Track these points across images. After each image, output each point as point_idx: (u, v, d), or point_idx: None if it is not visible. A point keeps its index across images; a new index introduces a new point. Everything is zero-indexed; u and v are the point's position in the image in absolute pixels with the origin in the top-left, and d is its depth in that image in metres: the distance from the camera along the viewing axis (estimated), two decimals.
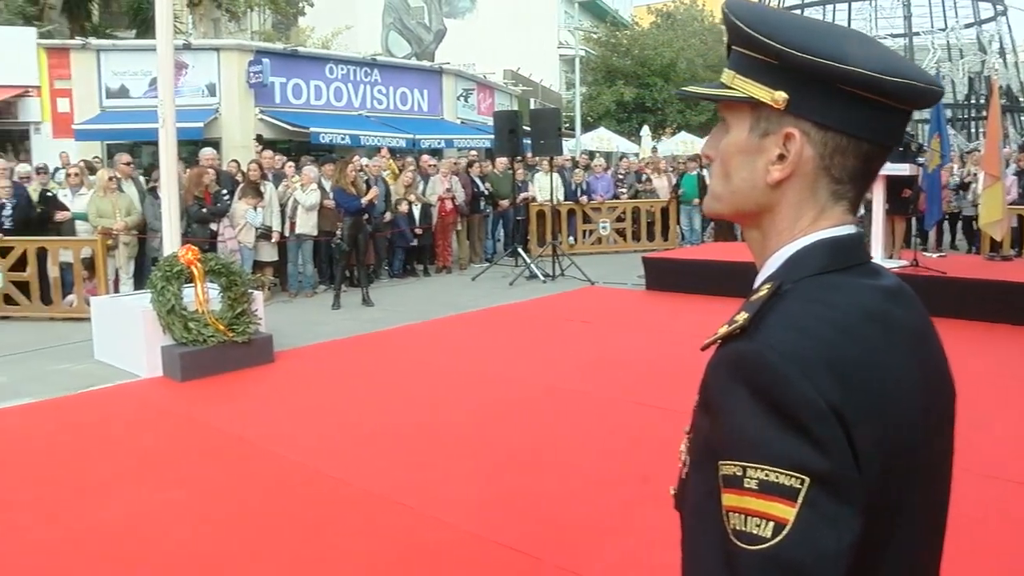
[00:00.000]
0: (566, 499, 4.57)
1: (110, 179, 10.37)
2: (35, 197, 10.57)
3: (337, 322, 9.81)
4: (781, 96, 1.07)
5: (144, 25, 24.89)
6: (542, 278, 12.60)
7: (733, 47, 1.14)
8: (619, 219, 16.31)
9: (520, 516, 4.36)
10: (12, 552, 4.16)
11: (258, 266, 11.12)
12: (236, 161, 12.57)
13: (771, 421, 0.94)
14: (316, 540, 4.17)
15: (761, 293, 1.07)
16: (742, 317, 1.04)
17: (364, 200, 10.60)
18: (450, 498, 4.61)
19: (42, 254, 9.97)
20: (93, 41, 20.33)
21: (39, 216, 10.36)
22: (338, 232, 11.11)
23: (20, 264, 9.87)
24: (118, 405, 6.82)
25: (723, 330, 1.05)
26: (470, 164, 15.59)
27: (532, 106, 28.59)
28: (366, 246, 11.08)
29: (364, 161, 13.12)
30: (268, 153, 12.79)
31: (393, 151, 17.04)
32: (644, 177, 17.26)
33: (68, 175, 11.47)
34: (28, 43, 19.46)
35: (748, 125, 1.12)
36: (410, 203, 13.17)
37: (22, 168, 11.81)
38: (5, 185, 10.09)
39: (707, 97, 1.19)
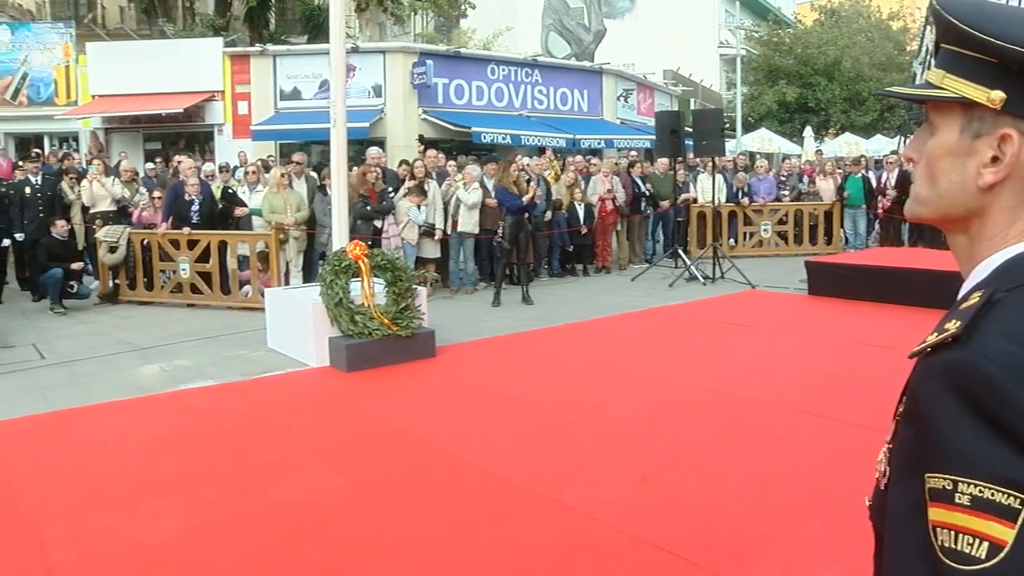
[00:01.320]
0: (726, 504, 4.49)
1: (282, 176, 10.87)
2: (218, 194, 11.21)
3: (497, 319, 9.97)
4: (998, 96, 1.02)
5: (315, 31, 25.95)
6: (702, 280, 12.44)
7: (942, 45, 1.10)
8: (781, 222, 15.89)
9: (678, 519, 4.31)
10: (202, 522, 4.46)
11: (421, 263, 11.41)
12: (406, 161, 12.93)
13: (987, 434, 0.90)
14: (471, 533, 4.24)
15: (972, 301, 1.01)
16: (953, 325, 0.98)
17: (526, 199, 10.73)
18: (608, 498, 4.58)
19: (223, 247, 10.57)
20: (270, 47, 21.38)
21: (221, 212, 10.99)
22: (499, 230, 11.29)
23: (204, 256, 10.50)
24: (288, 392, 7.14)
25: (932, 338, 1.00)
26: (631, 164, 15.53)
27: (692, 106, 28.23)
28: (527, 245, 11.20)
29: (526, 160, 13.28)
30: (432, 152, 13.11)
31: (553, 151, 17.19)
32: (807, 179, 16.78)
33: (246, 173, 12.12)
34: (215, 52, 20.76)
35: (959, 126, 1.07)
36: (573, 203, 13.25)
37: (208, 167, 12.59)
38: (194, 183, 10.76)
39: (914, 98, 1.16)
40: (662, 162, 15.06)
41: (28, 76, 21.54)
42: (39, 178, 11.69)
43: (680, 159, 14.61)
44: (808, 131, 29.38)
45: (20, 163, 12.75)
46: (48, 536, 4.34)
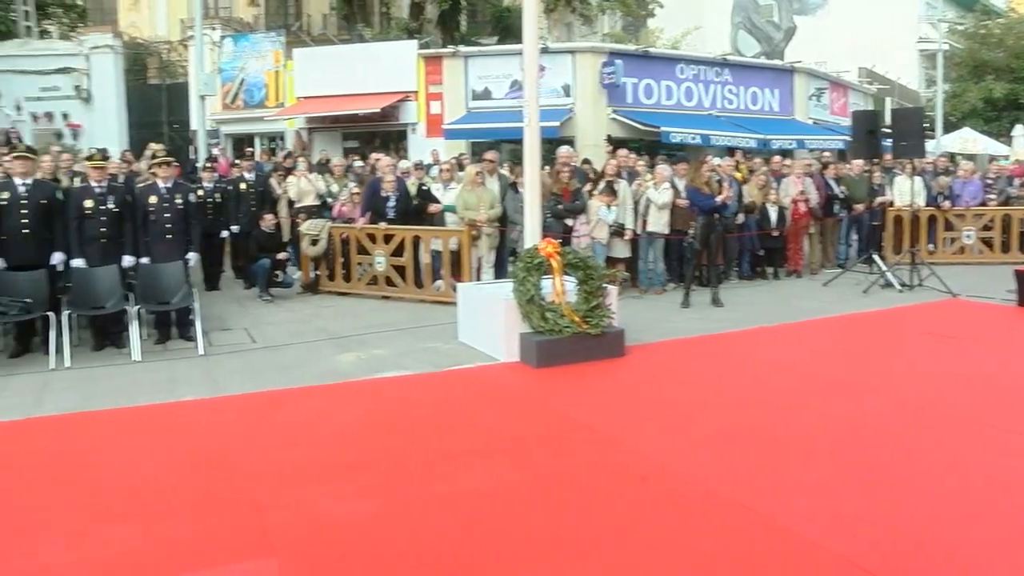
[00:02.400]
0: (929, 525, 4.28)
1: (476, 174, 11.12)
2: (413, 191, 11.59)
3: (686, 320, 9.88)
4: None
5: (505, 32, 26.40)
6: (898, 287, 11.89)
7: None
8: (986, 227, 14.97)
9: (878, 537, 4.13)
10: (393, 504, 4.66)
11: (610, 262, 11.41)
12: (588, 160, 12.96)
13: None
14: (655, 536, 4.22)
15: None
16: None
17: (718, 199, 10.58)
18: (800, 508, 4.46)
19: (417, 242, 10.94)
20: (462, 49, 21.88)
21: (416, 208, 11.36)
22: (690, 231, 11.18)
23: (398, 250, 10.90)
24: (478, 385, 7.32)
25: None
26: (825, 166, 15.01)
27: (888, 105, 27.00)
28: (717, 246, 11.05)
29: (716, 161, 13.08)
30: (623, 151, 13.10)
31: (743, 152, 16.85)
32: (1018, 182, 15.72)
33: (440, 171, 12.47)
34: (410, 54, 21.44)
35: None
36: (765, 205, 12.96)
37: (403, 164, 13.05)
38: (391, 180, 11.18)
39: None
40: (857, 163, 14.48)
41: (245, 82, 22.96)
42: (252, 175, 12.47)
43: (876, 160, 14.00)
44: (1018, 130, 27.44)
45: (236, 161, 13.62)
46: (265, 505, 4.66)
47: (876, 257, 12.98)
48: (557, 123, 18.48)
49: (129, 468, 5.35)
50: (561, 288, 7.95)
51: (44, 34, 24.90)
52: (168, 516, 4.57)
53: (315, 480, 5.01)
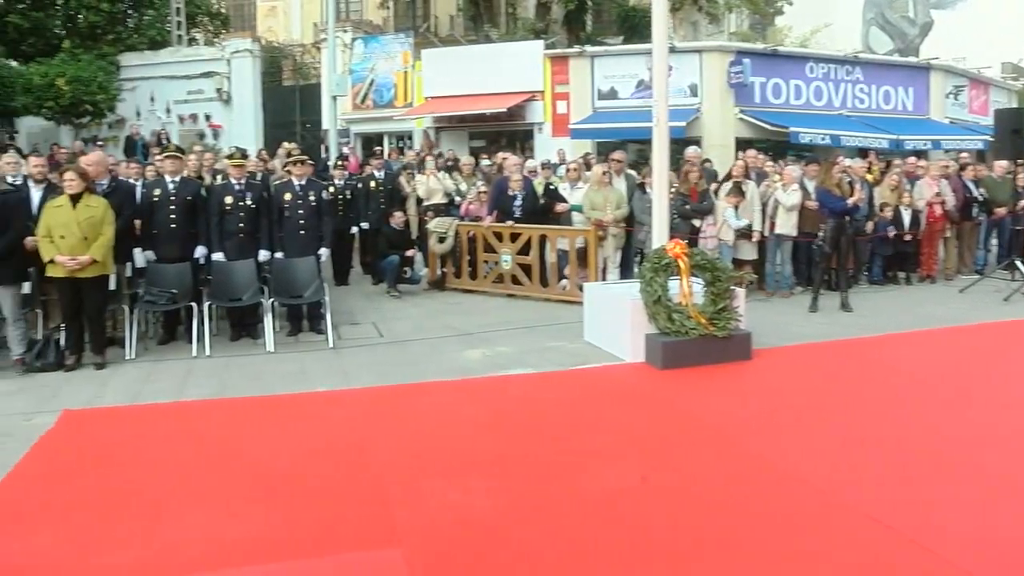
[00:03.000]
0: None
1: (603, 174, 11.10)
2: (539, 190, 11.65)
3: (814, 325, 9.64)
4: None
5: (630, 31, 26.28)
6: None
7: None
8: None
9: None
10: (519, 502, 4.72)
11: (736, 264, 11.23)
12: (709, 160, 12.74)
13: None
14: (783, 545, 4.15)
15: None
16: None
17: (850, 201, 10.28)
18: (941, 526, 4.28)
19: (543, 241, 10.99)
20: (588, 48, 21.92)
21: (543, 207, 11.41)
22: (820, 233, 10.90)
23: (524, 249, 10.97)
24: (604, 385, 7.31)
25: None
26: (962, 167, 14.40)
27: None
28: (848, 249, 10.74)
29: (847, 162, 12.71)
30: (752, 152, 12.88)
31: (875, 152, 16.34)
32: None
33: (567, 170, 12.50)
34: (536, 54, 21.60)
35: None
36: (899, 207, 12.53)
37: (530, 163, 13.13)
38: (518, 179, 11.26)
39: None
40: (1000, 165, 13.81)
41: (374, 82, 23.52)
42: (382, 173, 12.75)
43: (1021, 161, 13.35)
44: None
45: (368, 159, 13.96)
46: (391, 496, 4.78)
47: (1019, 263, 12.37)
48: (683, 123, 18.29)
49: (264, 453, 5.57)
50: (688, 289, 7.87)
51: (192, 42, 26.09)
52: (299, 501, 4.76)
53: (442, 475, 5.10)
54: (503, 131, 22.40)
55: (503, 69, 21.57)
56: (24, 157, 10.17)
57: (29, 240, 7.76)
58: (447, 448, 5.63)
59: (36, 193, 8.38)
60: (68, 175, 7.78)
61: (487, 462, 5.36)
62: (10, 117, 21.95)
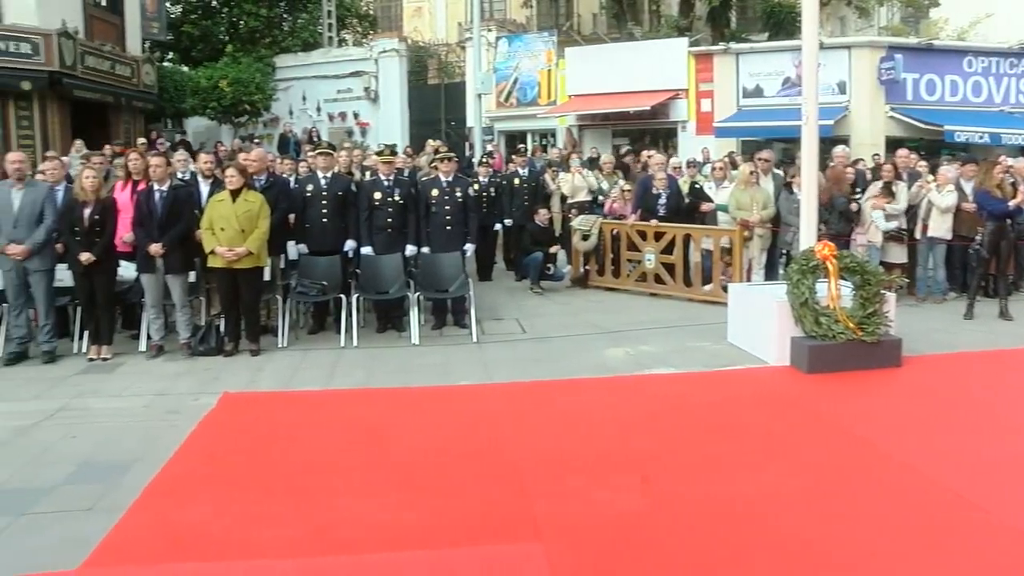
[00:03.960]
0: None
1: (750, 173, 10.91)
2: (685, 189, 11.54)
3: (969, 333, 9.23)
4: None
5: (776, 28, 25.69)
6: None
7: None
8: None
9: None
10: (662, 502, 4.71)
11: (884, 267, 10.84)
12: (858, 161, 12.33)
13: None
14: (927, 559, 4.02)
15: None
16: None
17: (1012, 204, 9.78)
18: None
19: (687, 240, 10.88)
20: (733, 46, 21.57)
21: (687, 206, 11.31)
22: (977, 237, 10.41)
23: (668, 248, 10.88)
24: (748, 387, 7.19)
25: None
26: None
27: None
28: (1008, 254, 10.21)
29: (1010, 161, 12.09)
30: (903, 151, 12.41)
31: None
32: None
33: (713, 169, 12.34)
34: (680, 52, 21.43)
35: None
36: None
37: (674, 161, 13.03)
38: (662, 177, 11.19)
39: None
40: None
41: (518, 80, 23.78)
42: (526, 170, 12.88)
43: None
44: None
45: (512, 157, 14.13)
46: (533, 491, 4.84)
47: None
48: (831, 121, 17.76)
49: (409, 443, 5.75)
50: (837, 292, 7.67)
51: (342, 43, 26.99)
52: (442, 491, 4.88)
53: (584, 472, 5.13)
54: (647, 129, 22.33)
55: (647, 67, 21.47)
56: (193, 155, 10.74)
57: (197, 232, 8.22)
58: (589, 445, 5.66)
59: (204, 188, 8.87)
60: (229, 171, 8.21)
61: (630, 461, 5.36)
62: (180, 118, 23.29)
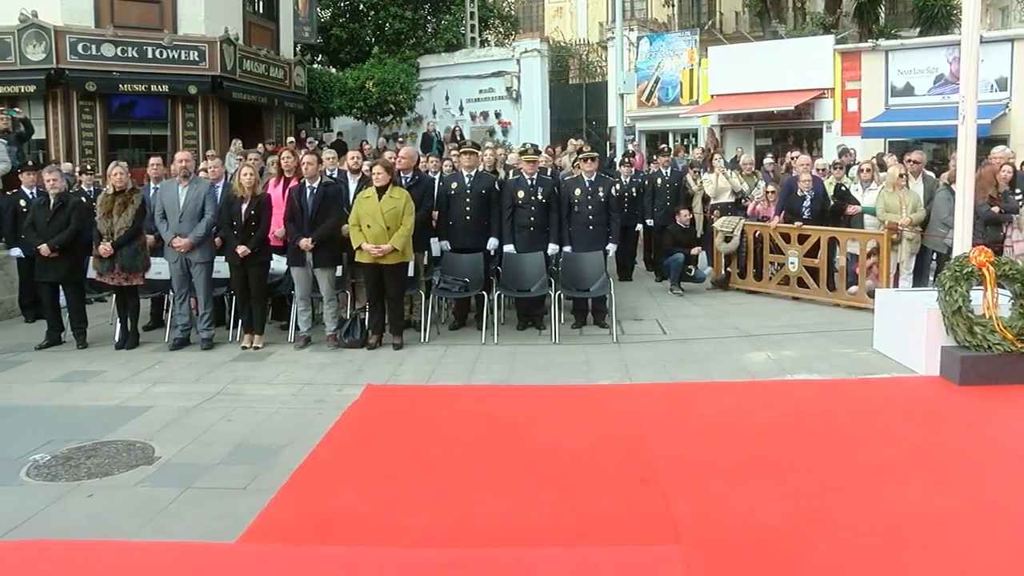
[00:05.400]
0: None
1: (900, 176, 10.52)
2: (830, 190, 11.24)
3: None
4: None
5: (928, 23, 24.66)
6: None
7: None
8: None
9: None
10: (807, 512, 4.60)
11: None
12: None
13: None
14: None
15: None
16: None
17: None
18: None
19: (832, 243, 10.59)
20: (882, 42, 20.83)
21: (833, 208, 11.00)
22: None
23: (812, 251, 10.62)
24: (895, 397, 6.93)
25: None
26: None
27: None
28: None
29: None
30: None
31: None
32: None
33: (860, 171, 11.96)
34: (826, 50, 20.83)
35: None
36: None
37: (820, 162, 12.69)
38: (807, 179, 10.91)
39: None
40: None
41: (660, 80, 23.62)
42: (668, 170, 12.79)
43: None
44: None
45: (655, 157, 14.05)
46: (672, 493, 4.80)
47: None
48: (988, 120, 16.84)
49: (548, 440, 5.79)
50: (994, 301, 7.30)
51: (484, 43, 27.38)
52: (580, 490, 4.90)
53: (724, 476, 5.06)
54: (790, 129, 21.84)
55: (791, 66, 20.98)
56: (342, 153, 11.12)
57: (344, 228, 8.50)
58: (730, 449, 5.58)
59: (352, 184, 9.17)
60: (376, 168, 8.46)
61: (771, 467, 5.25)
62: (327, 117, 24.15)
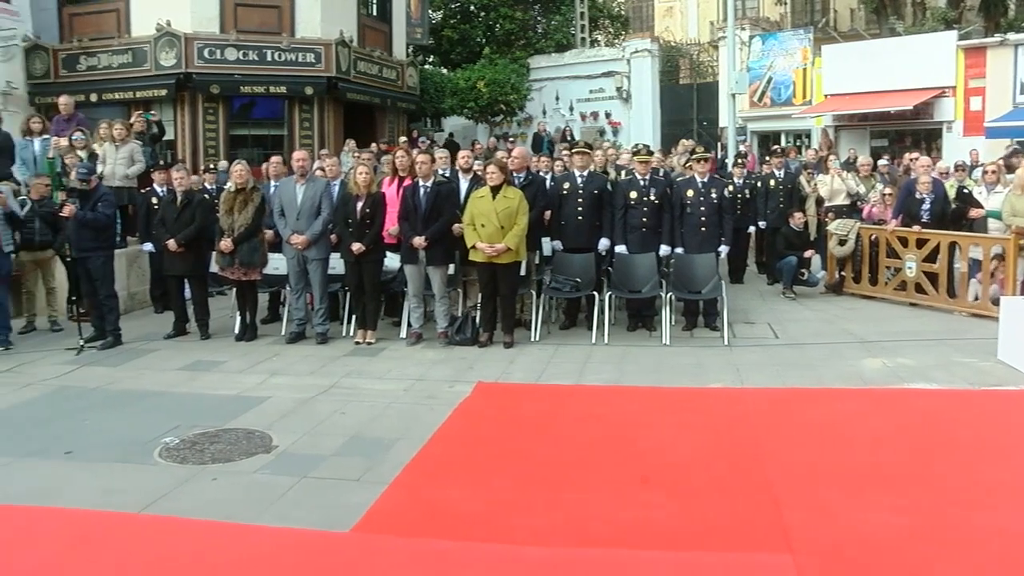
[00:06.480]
0: None
1: None
2: (951, 193, 10.86)
3: None
4: None
5: None
6: None
7: None
8: None
9: None
10: (927, 527, 4.47)
11: None
12: None
13: None
14: None
15: None
16: None
17: None
18: None
19: (953, 248, 10.22)
20: (1011, 36, 19.97)
21: (954, 212, 10.62)
22: None
23: (931, 256, 10.28)
24: (1019, 410, 6.69)
25: None
26: None
27: None
28: None
29: None
30: None
31: None
32: None
33: (984, 172, 11.51)
34: (948, 46, 20.14)
35: None
36: None
37: (941, 164, 12.28)
38: (926, 181, 10.56)
39: None
40: None
41: (772, 80, 23.20)
42: (781, 172, 12.56)
43: None
44: None
45: (767, 158, 13.82)
46: (784, 500, 4.71)
47: None
48: None
49: (659, 442, 5.77)
50: None
51: (594, 43, 27.36)
52: (690, 493, 4.87)
53: (839, 485, 4.93)
54: (907, 130, 21.18)
55: (910, 63, 20.33)
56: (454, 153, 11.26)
57: (456, 226, 8.62)
58: (843, 458, 5.43)
59: (464, 183, 9.29)
60: (490, 168, 8.55)
61: (888, 479, 5.08)
62: (438, 117, 24.51)
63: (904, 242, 10.58)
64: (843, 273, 11.46)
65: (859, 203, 12.17)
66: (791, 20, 30.04)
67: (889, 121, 20.82)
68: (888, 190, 11.68)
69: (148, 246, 10.46)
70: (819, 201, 12.46)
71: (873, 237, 11.06)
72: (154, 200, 10.33)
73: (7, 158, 11.16)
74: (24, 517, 4.74)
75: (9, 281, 9.33)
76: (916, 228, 10.44)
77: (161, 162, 11.54)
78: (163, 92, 16.68)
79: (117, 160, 11.08)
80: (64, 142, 11.01)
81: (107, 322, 9.08)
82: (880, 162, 14.34)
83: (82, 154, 10.76)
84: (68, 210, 8.70)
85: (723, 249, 9.51)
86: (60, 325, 9.95)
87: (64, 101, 12.41)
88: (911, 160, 12.76)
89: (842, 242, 11.16)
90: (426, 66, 24.90)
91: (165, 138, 15.11)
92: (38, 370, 8.18)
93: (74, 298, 9.64)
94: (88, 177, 8.94)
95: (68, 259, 9.38)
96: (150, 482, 5.19)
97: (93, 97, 16.91)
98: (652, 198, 9.26)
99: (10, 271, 9.30)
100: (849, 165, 14.27)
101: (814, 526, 4.41)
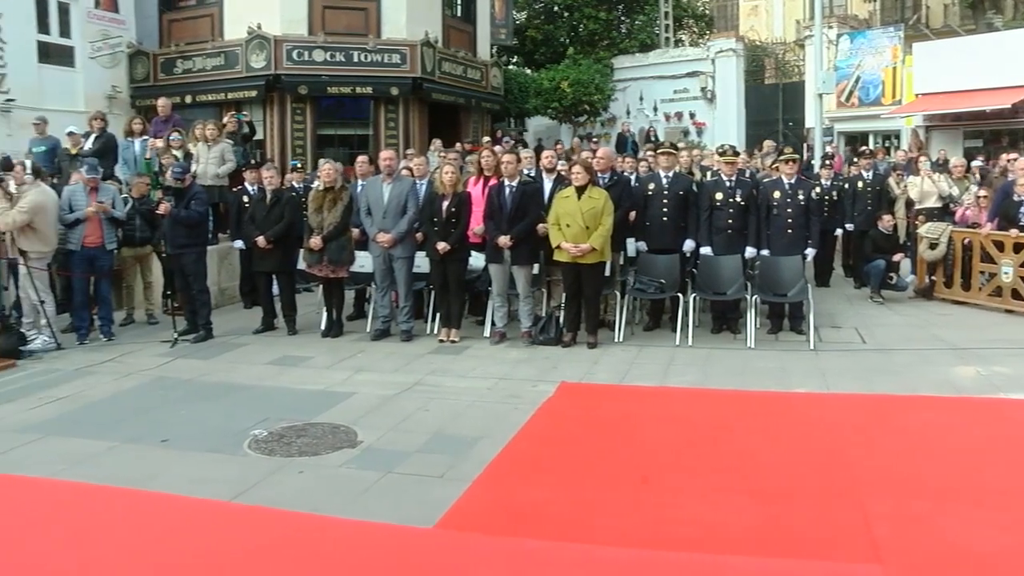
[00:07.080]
0: None
1: None
2: None
3: None
4: None
5: None
6: None
7: None
8: None
9: None
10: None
11: None
12: None
13: None
14: None
15: None
16: None
17: None
18: None
19: None
20: None
21: None
22: None
23: None
24: None
25: None
26: None
27: None
28: None
29: None
30: None
31: None
32: None
33: None
34: None
35: None
36: None
37: None
38: None
39: None
40: None
41: (860, 79, 22.73)
42: (870, 173, 12.30)
43: None
44: None
45: (855, 159, 13.54)
46: (872, 510, 4.61)
47: None
48: None
49: (744, 446, 5.71)
50: None
51: (678, 43, 27.15)
52: (777, 499, 4.80)
53: (929, 497, 4.80)
54: (1004, 130, 20.50)
55: (1008, 60, 19.58)
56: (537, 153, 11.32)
57: (541, 226, 8.65)
58: (934, 469, 5.30)
59: (547, 183, 9.32)
60: (575, 168, 8.58)
61: (982, 492, 4.91)
62: (522, 117, 24.63)
63: (1000, 246, 10.27)
64: (933, 277, 11.16)
65: (951, 206, 11.85)
66: (880, 18, 29.35)
67: (984, 120, 20.25)
68: (983, 192, 11.35)
69: (238, 243, 10.73)
70: (909, 204, 12.17)
71: (966, 241, 10.75)
72: (245, 198, 10.59)
73: (111, 159, 11.63)
74: (127, 499, 4.97)
75: (111, 276, 9.71)
76: (1014, 232, 10.12)
77: (252, 161, 11.84)
78: (253, 93, 17.14)
79: (209, 159, 11.40)
80: (161, 143, 11.43)
81: (199, 316, 9.37)
82: (974, 163, 13.94)
83: (178, 154, 11.13)
84: (164, 208, 9.05)
85: (809, 252, 9.33)
86: (156, 318, 10.33)
87: (162, 103, 12.89)
88: (1008, 161, 12.37)
89: (933, 245, 10.88)
90: (510, 66, 25.03)
91: (255, 138, 15.48)
92: (137, 361, 8.50)
93: (169, 292, 9.94)
94: (182, 176, 9.24)
95: (164, 255, 9.72)
96: (239, 472, 5.34)
97: (188, 99, 17.52)
98: (738, 199, 9.16)
99: (112, 267, 9.67)
100: (939, 166, 13.91)
101: (904, 538, 4.31)
